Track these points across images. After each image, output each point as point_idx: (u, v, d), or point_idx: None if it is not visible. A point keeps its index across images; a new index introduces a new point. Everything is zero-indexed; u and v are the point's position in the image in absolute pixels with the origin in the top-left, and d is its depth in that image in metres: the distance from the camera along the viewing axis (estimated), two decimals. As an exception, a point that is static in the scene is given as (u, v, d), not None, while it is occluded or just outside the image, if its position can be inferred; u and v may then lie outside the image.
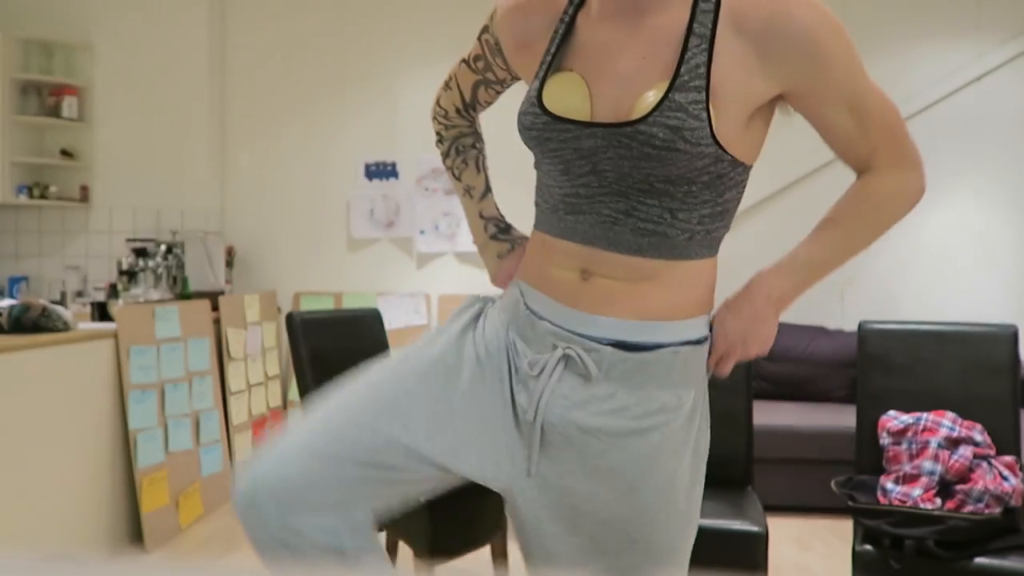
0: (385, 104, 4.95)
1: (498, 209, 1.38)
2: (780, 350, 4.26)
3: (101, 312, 3.59)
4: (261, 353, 4.47)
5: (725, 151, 1.05)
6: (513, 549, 1.96)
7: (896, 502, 2.12)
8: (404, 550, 3.00)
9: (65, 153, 4.81)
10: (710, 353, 1.18)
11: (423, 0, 4.84)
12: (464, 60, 1.31)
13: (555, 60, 1.14)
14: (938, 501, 2.10)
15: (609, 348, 1.10)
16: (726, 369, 1.20)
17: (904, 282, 4.64)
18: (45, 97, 4.76)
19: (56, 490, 2.84)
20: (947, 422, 2.18)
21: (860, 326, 2.37)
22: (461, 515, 2.41)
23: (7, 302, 2.93)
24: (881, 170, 1.17)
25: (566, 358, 1.11)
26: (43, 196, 4.77)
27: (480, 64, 1.29)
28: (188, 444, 3.52)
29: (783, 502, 3.69)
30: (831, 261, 1.20)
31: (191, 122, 4.85)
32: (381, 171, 4.94)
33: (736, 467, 2.46)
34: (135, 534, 3.23)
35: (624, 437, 1.11)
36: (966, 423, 2.19)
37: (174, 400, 3.45)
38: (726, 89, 1.04)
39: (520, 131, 1.14)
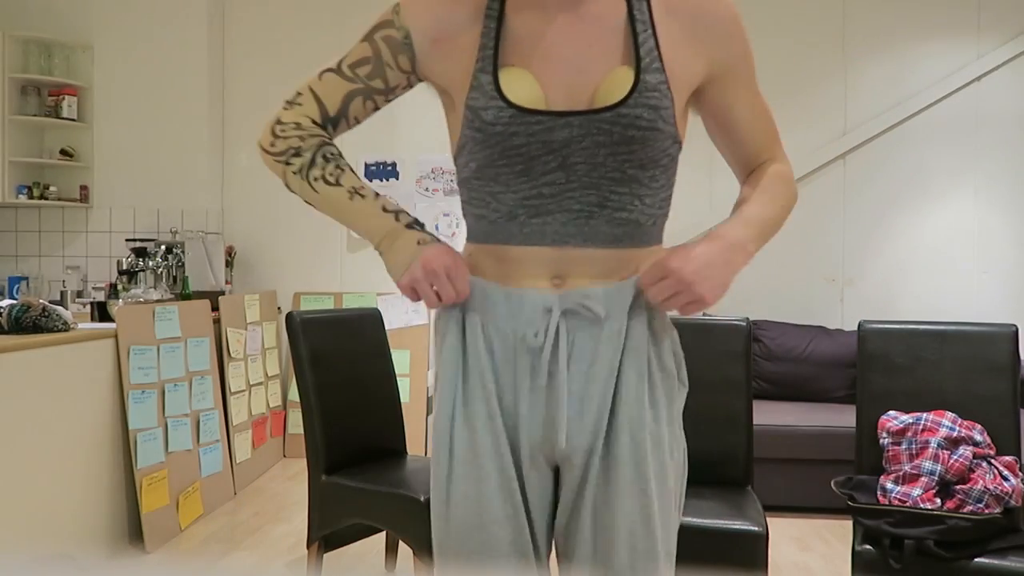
0: (385, 104, 4.94)
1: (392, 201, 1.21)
2: (780, 350, 4.27)
3: (101, 312, 3.59)
4: (261, 353, 4.47)
5: (679, 135, 1.11)
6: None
7: (896, 502, 2.12)
8: (404, 550, 3.00)
9: (65, 153, 4.81)
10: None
11: (423, 0, 4.85)
12: (331, 70, 1.18)
13: (494, 51, 1.09)
14: (938, 501, 2.10)
15: (599, 289, 1.11)
16: (664, 301, 1.10)
17: (904, 282, 4.64)
18: (45, 97, 4.76)
19: (56, 490, 2.84)
20: (947, 422, 2.18)
21: (860, 326, 2.37)
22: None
23: (7, 302, 2.93)
24: (777, 161, 1.22)
25: (565, 313, 1.11)
26: (43, 196, 4.77)
27: (364, 70, 1.16)
28: (188, 444, 3.52)
29: (783, 502, 3.69)
30: (773, 219, 1.16)
31: (191, 122, 4.85)
32: (381, 171, 4.94)
33: (736, 467, 2.46)
34: (135, 534, 3.23)
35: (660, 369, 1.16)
36: (966, 423, 2.19)
37: (174, 400, 3.45)
38: (675, 71, 1.08)
39: (476, 128, 1.08)
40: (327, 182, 1.16)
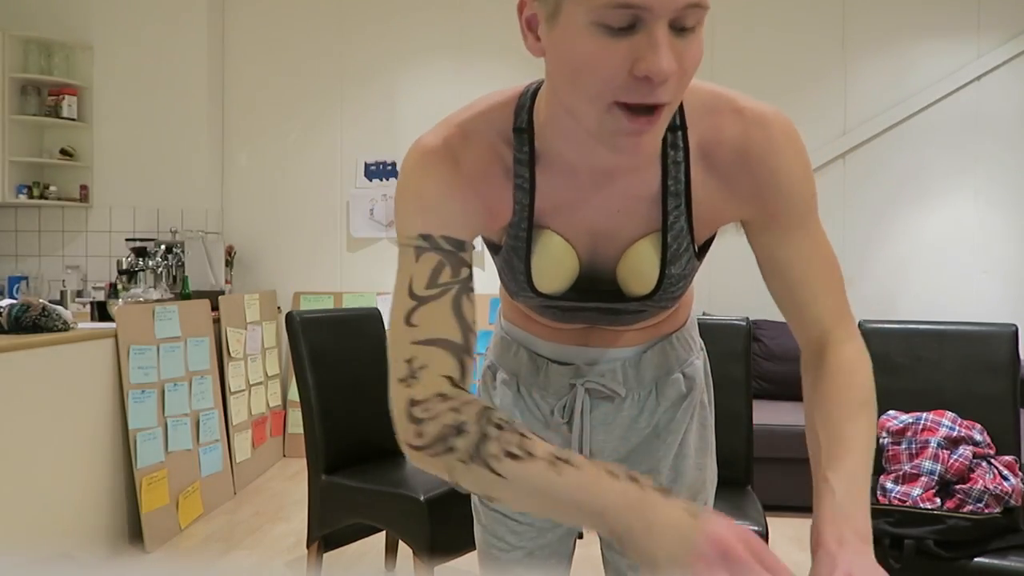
0: (385, 103, 4.95)
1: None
2: (780, 349, 4.27)
3: (101, 312, 3.59)
4: (261, 353, 4.47)
5: (700, 263, 1.08)
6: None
7: (896, 502, 2.12)
8: (404, 550, 3.00)
9: (65, 153, 4.81)
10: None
11: None
12: (414, 307, 0.94)
13: (528, 215, 1.00)
14: (938, 501, 2.10)
15: (617, 362, 1.19)
16: None
17: (903, 281, 4.64)
18: (45, 97, 4.76)
19: (56, 490, 2.84)
20: (947, 422, 2.18)
21: (860, 325, 2.36)
22: (461, 515, 2.41)
23: (7, 302, 2.93)
24: (840, 337, 1.00)
25: (589, 392, 1.18)
26: (43, 196, 4.77)
27: (445, 274, 0.94)
28: (188, 444, 3.52)
29: (783, 501, 3.69)
30: (863, 476, 0.90)
31: (191, 122, 4.85)
32: (381, 170, 4.94)
33: (736, 466, 2.46)
34: (135, 534, 3.23)
35: (667, 426, 1.23)
36: (966, 423, 2.19)
37: (174, 400, 3.45)
38: (704, 221, 1.01)
39: (506, 292, 1.14)
40: (515, 456, 0.84)
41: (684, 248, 1.00)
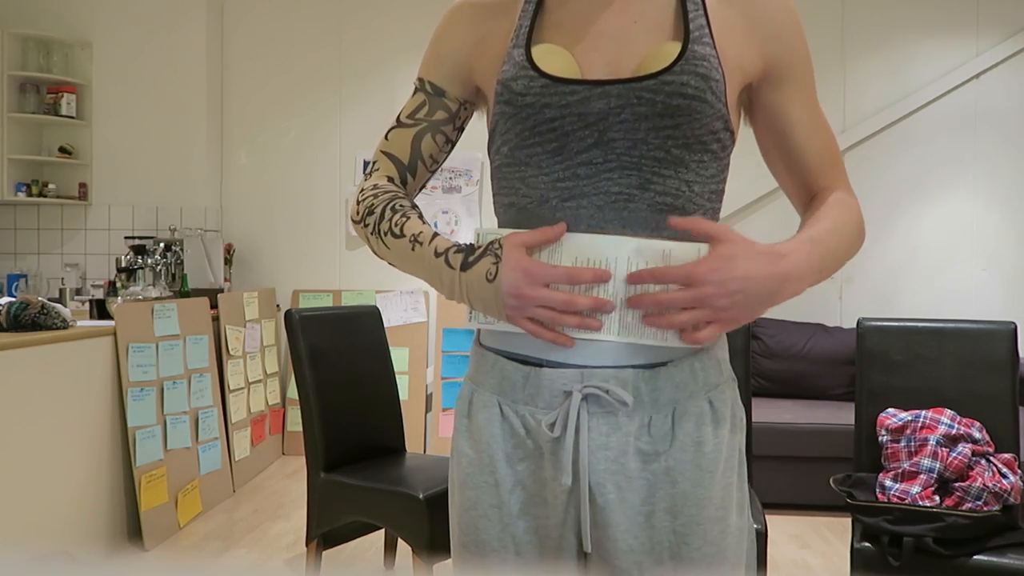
0: (383, 101, 4.94)
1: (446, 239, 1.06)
2: (779, 348, 4.27)
3: (100, 310, 3.59)
4: (260, 350, 4.47)
5: (731, 119, 1.00)
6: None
7: (895, 499, 2.12)
8: (403, 548, 3.00)
9: (64, 151, 4.80)
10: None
11: (422, -3, 4.85)
12: (393, 127, 1.15)
13: (532, 32, 1.03)
14: (937, 498, 2.10)
15: (630, 370, 0.97)
16: (669, 318, 0.92)
17: (902, 279, 4.64)
18: (44, 95, 4.76)
19: (55, 488, 2.84)
20: (946, 419, 2.18)
21: (859, 323, 2.37)
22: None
23: (6, 300, 2.93)
24: (842, 189, 1.06)
25: (587, 399, 0.97)
26: (42, 194, 4.77)
27: (422, 112, 1.13)
28: (187, 442, 3.52)
29: (782, 499, 3.69)
30: (837, 250, 1.00)
31: (189, 120, 4.85)
32: (380, 169, 4.94)
33: (735, 464, 2.46)
34: (134, 531, 3.23)
35: (670, 470, 0.98)
36: (965, 420, 2.19)
37: (173, 398, 3.45)
38: (727, 53, 0.98)
39: (505, 102, 1.00)
40: (393, 234, 1.04)
41: (707, 42, 0.97)
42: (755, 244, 0.91)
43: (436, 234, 1.02)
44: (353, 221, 1.12)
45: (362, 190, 1.12)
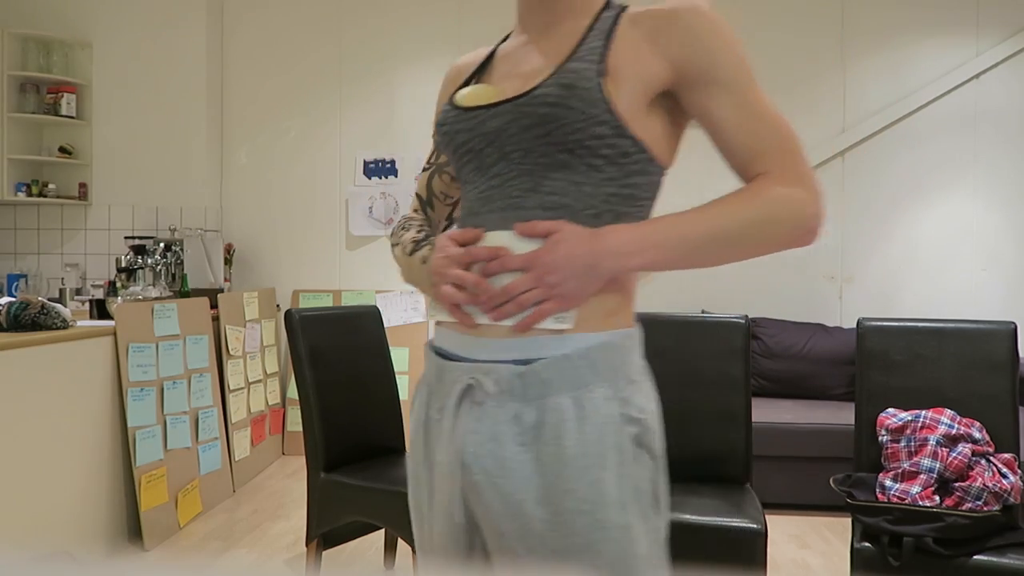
0: (384, 101, 4.95)
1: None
2: (779, 347, 4.27)
3: (100, 310, 3.59)
4: (260, 350, 4.47)
5: (625, 127, 1.06)
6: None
7: (895, 499, 2.12)
8: (403, 547, 3.00)
9: (64, 151, 4.80)
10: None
11: (422, -3, 4.85)
12: (422, 171, 1.38)
13: (472, 78, 1.24)
14: (937, 498, 2.10)
15: (506, 365, 1.05)
16: (511, 299, 1.05)
17: (902, 279, 4.64)
18: (44, 94, 4.76)
19: (55, 488, 2.84)
20: (946, 419, 2.18)
21: (859, 323, 2.37)
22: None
23: (6, 299, 2.93)
24: (771, 177, 1.07)
25: (467, 388, 1.07)
26: (42, 194, 4.77)
27: (432, 157, 1.35)
28: (187, 442, 3.52)
29: (782, 499, 3.70)
30: (709, 233, 1.04)
31: (190, 120, 4.85)
32: (380, 168, 4.94)
33: (735, 464, 2.47)
34: (134, 531, 3.23)
35: (537, 460, 1.03)
36: (965, 420, 2.19)
37: (173, 398, 3.45)
38: (621, 69, 1.08)
39: (438, 136, 1.19)
40: (393, 244, 1.29)
41: (589, 59, 1.08)
42: (583, 230, 1.04)
43: (419, 239, 1.23)
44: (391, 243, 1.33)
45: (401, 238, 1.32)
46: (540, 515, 1.03)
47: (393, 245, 1.28)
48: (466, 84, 1.24)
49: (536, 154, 1.08)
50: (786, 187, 1.06)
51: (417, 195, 1.37)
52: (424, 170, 1.37)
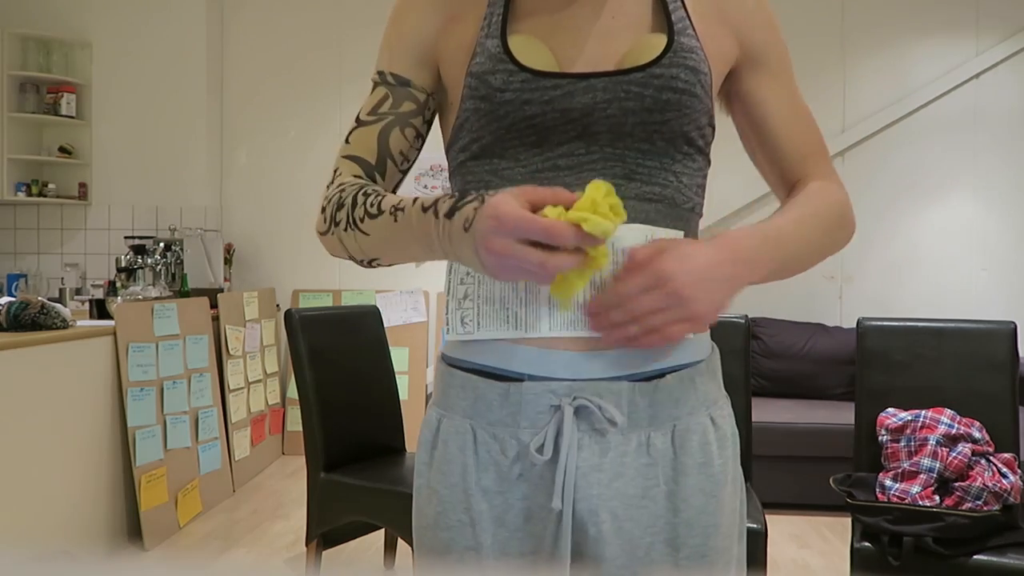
0: (384, 101, 4.94)
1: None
2: (779, 347, 4.27)
3: (100, 309, 3.58)
4: (260, 350, 4.46)
5: (714, 114, 0.97)
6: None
7: (895, 499, 2.12)
8: (403, 547, 3.00)
9: (63, 150, 4.80)
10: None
11: (422, -3, 4.85)
12: (352, 129, 1.03)
13: (505, 22, 0.95)
14: (936, 498, 2.10)
15: (624, 383, 0.88)
16: (645, 319, 0.82)
17: (902, 279, 4.64)
18: (43, 94, 4.76)
19: (55, 487, 2.84)
20: (946, 419, 2.18)
21: (859, 323, 2.37)
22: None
23: (6, 299, 2.93)
24: (830, 181, 1.00)
25: (578, 413, 0.87)
26: (41, 194, 4.77)
27: (386, 105, 1.01)
28: (187, 442, 3.51)
29: (782, 499, 3.70)
30: (805, 241, 0.94)
31: (189, 119, 4.85)
32: (380, 168, 4.94)
33: (735, 464, 2.46)
34: (134, 531, 3.23)
35: (671, 496, 0.89)
36: (965, 420, 2.19)
37: (173, 397, 3.45)
38: (708, 46, 0.95)
39: (481, 98, 0.92)
40: (370, 215, 0.91)
41: (690, 33, 0.93)
42: (695, 240, 0.89)
43: (419, 198, 0.88)
44: (320, 233, 0.99)
45: (326, 199, 1.00)
46: (674, 559, 0.88)
47: (366, 218, 0.91)
48: (499, 25, 0.95)
49: (635, 138, 0.91)
50: (841, 191, 1.00)
51: (354, 158, 1.01)
52: (365, 124, 1.01)
